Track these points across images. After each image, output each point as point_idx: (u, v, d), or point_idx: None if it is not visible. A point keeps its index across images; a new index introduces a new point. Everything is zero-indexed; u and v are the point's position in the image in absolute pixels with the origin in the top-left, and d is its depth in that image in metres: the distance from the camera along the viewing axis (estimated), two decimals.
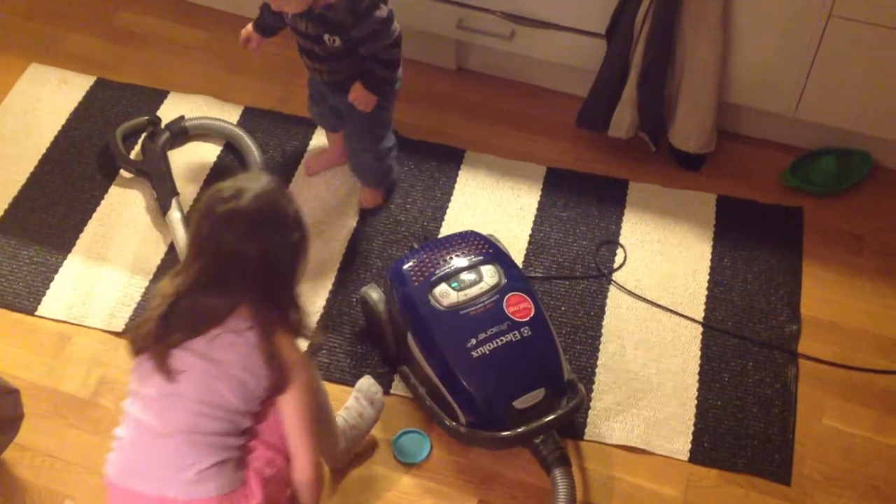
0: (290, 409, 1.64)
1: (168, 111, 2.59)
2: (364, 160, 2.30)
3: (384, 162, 2.32)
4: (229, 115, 2.58)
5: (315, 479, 1.67)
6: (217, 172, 2.47)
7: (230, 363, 1.58)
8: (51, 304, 2.22)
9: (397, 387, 2.07)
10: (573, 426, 2.00)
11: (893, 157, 2.45)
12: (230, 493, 1.59)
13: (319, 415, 1.73)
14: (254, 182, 1.59)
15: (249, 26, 2.21)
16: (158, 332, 1.57)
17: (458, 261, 2.00)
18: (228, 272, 1.56)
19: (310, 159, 2.47)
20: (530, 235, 2.34)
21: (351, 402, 1.97)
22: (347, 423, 1.93)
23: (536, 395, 1.87)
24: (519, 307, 1.93)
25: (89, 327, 2.18)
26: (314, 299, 2.20)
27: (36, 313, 2.21)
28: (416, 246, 2.09)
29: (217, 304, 1.57)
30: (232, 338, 1.57)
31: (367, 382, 2.01)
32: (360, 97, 2.10)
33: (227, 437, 1.60)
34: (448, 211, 2.39)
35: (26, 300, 2.22)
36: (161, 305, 1.58)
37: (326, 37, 2.01)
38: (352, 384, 2.03)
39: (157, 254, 2.31)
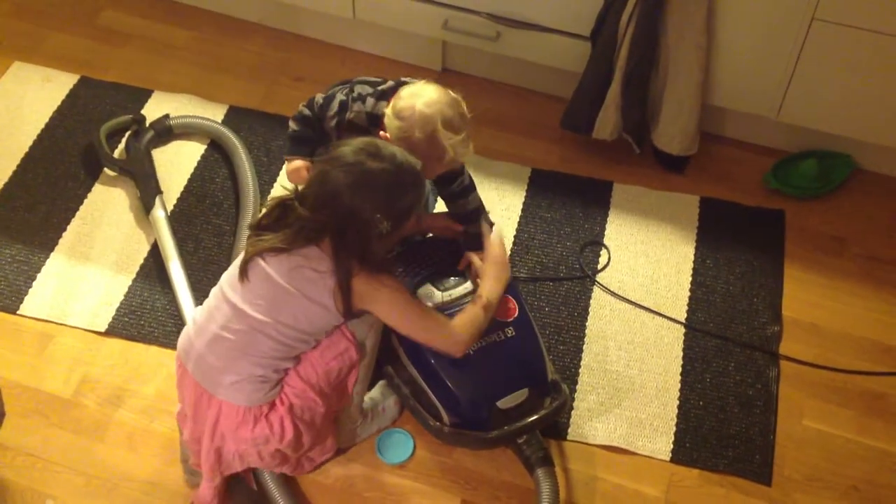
0: (390, 325, 1.78)
1: (152, 110, 2.58)
2: None
3: None
4: (214, 113, 2.58)
5: (460, 342, 1.79)
6: (201, 171, 2.46)
7: (303, 293, 1.67)
8: (33, 303, 2.21)
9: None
10: (556, 426, 2.01)
11: (874, 160, 2.47)
12: (257, 406, 1.72)
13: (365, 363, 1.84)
14: (400, 157, 1.65)
15: (298, 161, 1.97)
16: (259, 228, 1.69)
17: (443, 261, 2.00)
18: (320, 201, 1.63)
19: None
20: (515, 236, 2.35)
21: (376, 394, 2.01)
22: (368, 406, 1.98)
23: (520, 396, 1.87)
24: (503, 307, 1.93)
25: (72, 326, 2.17)
26: None
27: (18, 312, 2.19)
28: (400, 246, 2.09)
29: (300, 220, 1.64)
30: (311, 274, 1.66)
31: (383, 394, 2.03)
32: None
33: (276, 359, 1.71)
34: (433, 212, 2.38)
35: (8, 299, 2.21)
36: (271, 203, 1.70)
37: None
38: None
39: (141, 253, 2.30)
